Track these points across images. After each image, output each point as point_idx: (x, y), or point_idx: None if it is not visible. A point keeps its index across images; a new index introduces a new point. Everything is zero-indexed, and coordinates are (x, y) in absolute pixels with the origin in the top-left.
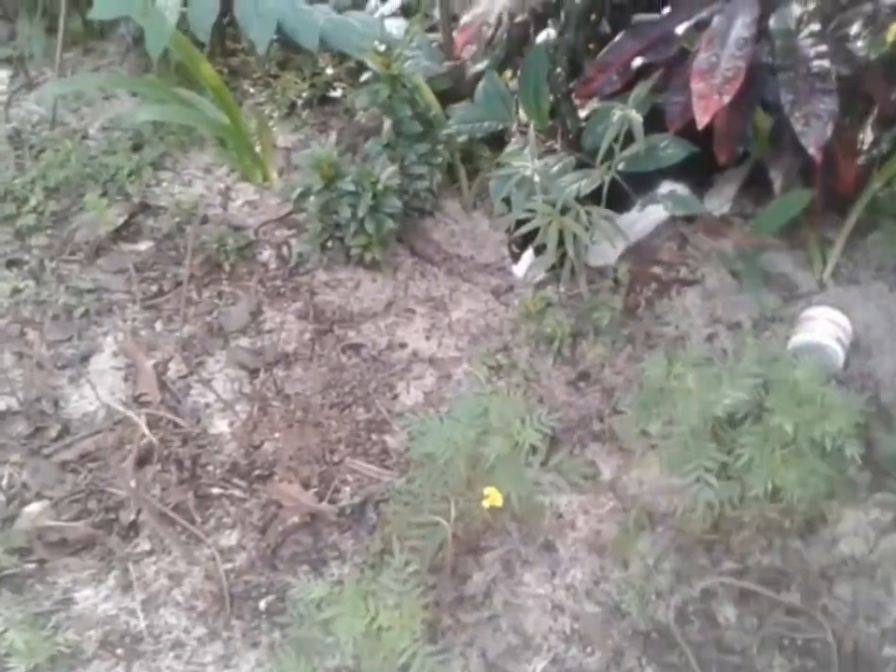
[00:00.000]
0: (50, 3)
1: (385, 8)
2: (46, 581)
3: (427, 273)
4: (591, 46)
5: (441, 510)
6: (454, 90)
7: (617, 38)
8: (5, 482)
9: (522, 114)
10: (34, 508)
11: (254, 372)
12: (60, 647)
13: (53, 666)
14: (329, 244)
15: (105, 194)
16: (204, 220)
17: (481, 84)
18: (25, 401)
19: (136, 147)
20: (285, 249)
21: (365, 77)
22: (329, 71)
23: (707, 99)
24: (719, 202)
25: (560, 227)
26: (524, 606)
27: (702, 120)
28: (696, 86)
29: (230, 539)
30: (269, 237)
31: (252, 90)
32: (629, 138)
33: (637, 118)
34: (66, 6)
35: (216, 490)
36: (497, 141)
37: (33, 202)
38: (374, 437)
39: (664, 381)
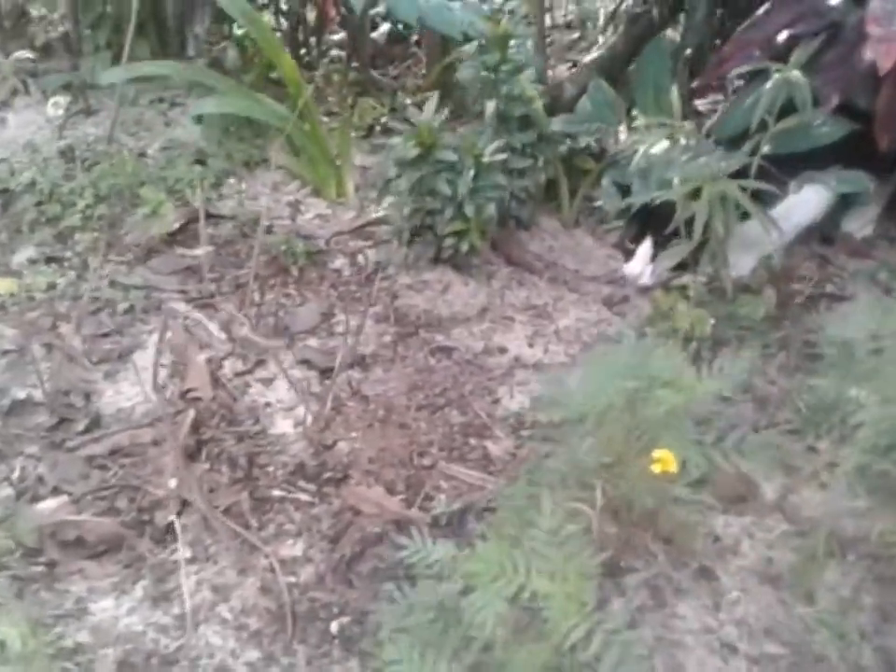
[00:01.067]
0: (115, 34)
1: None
2: (54, 587)
3: (525, 282)
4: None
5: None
6: (549, 106)
7: (761, 11)
8: (16, 474)
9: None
10: (49, 503)
11: (324, 373)
12: (62, 663)
13: None
14: (416, 238)
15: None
16: (270, 230)
17: (585, 95)
18: (51, 393)
19: (199, 162)
20: (360, 258)
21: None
22: (408, 101)
23: (888, 43)
24: (860, 223)
25: (709, 198)
26: (681, 643)
27: (884, 66)
28: (874, 30)
29: (293, 549)
30: (342, 247)
31: (326, 119)
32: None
33: (800, 79)
34: (133, 35)
35: (276, 493)
36: (601, 156)
37: (80, 205)
38: (473, 441)
39: (832, 394)
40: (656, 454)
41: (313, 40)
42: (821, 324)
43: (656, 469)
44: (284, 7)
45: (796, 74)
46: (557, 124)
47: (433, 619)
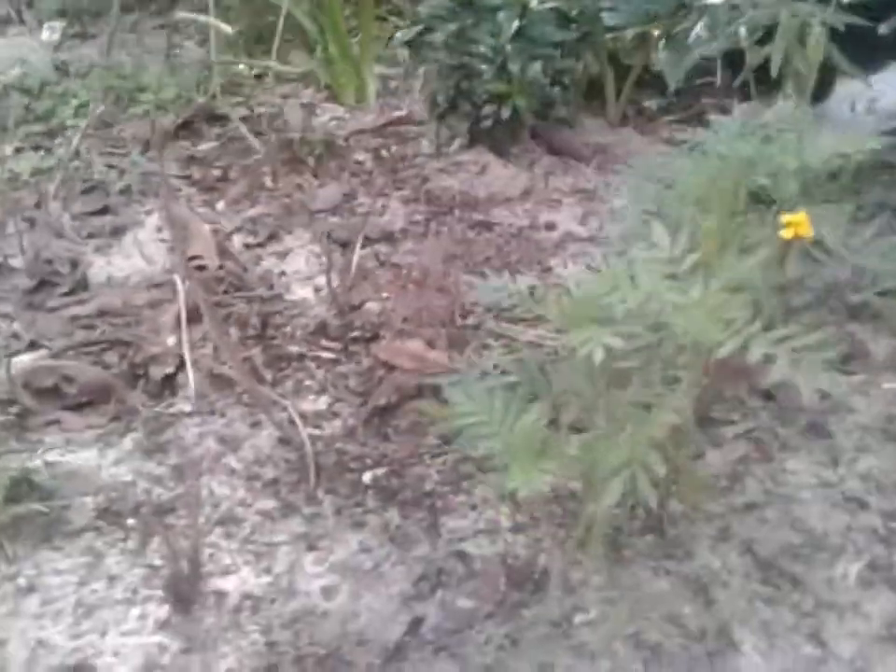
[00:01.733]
0: None
1: None
2: (26, 438)
3: (570, 169)
4: None
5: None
6: None
7: None
8: None
9: None
10: (24, 357)
11: (347, 246)
12: (31, 504)
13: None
14: (450, 112)
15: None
16: (282, 128)
17: None
18: (31, 259)
19: (206, 71)
20: (384, 152)
21: None
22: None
23: None
24: None
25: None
26: (796, 497)
27: None
28: None
29: (315, 404)
30: (363, 143)
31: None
32: None
33: None
34: None
35: (294, 349)
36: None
37: (73, 103)
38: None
39: None
40: (787, 217)
41: None
42: None
43: (786, 234)
44: None
45: None
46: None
47: None
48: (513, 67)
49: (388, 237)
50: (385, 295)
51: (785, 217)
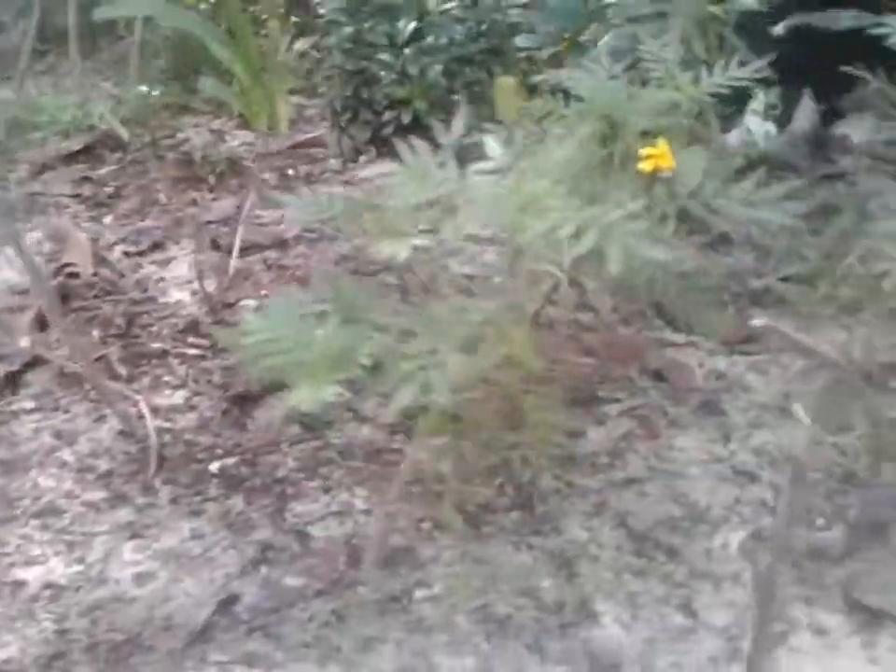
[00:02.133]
0: None
1: None
2: None
3: None
4: None
5: None
6: None
7: None
8: None
9: None
10: None
11: (249, 251)
12: None
13: None
14: (352, 122)
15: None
16: (186, 151)
17: None
18: None
19: (115, 100)
20: (290, 171)
21: None
22: None
23: None
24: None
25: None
26: (682, 472)
27: None
28: None
29: (171, 398)
30: (269, 164)
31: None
32: None
33: None
34: None
35: (157, 346)
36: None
37: None
38: None
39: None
40: (644, 150)
41: None
42: None
43: (645, 166)
44: None
45: None
46: (516, 17)
47: None
48: (412, 71)
49: (281, 244)
50: (263, 293)
51: (644, 150)
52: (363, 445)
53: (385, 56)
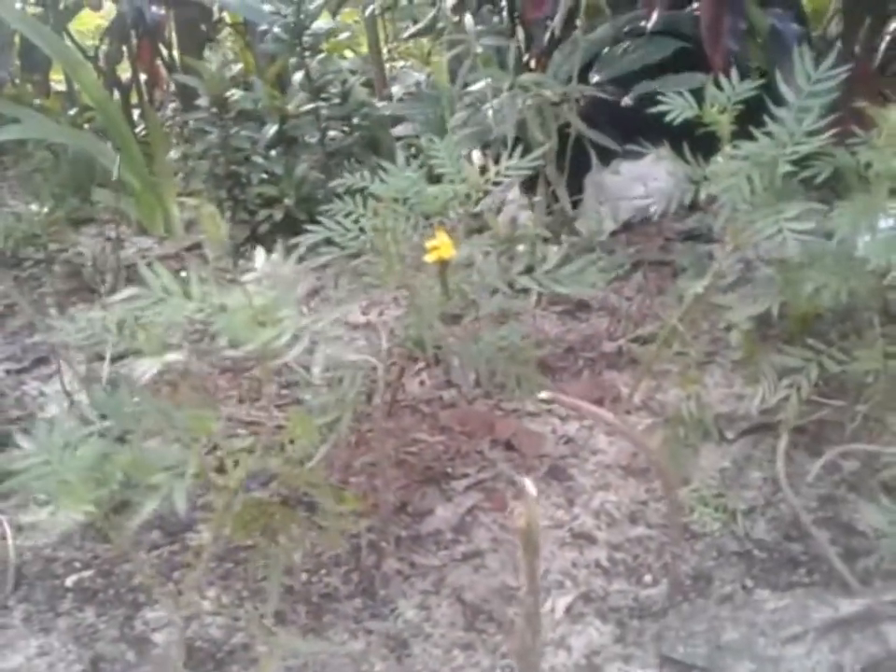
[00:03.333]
0: None
1: None
2: None
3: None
4: None
5: None
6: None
7: None
8: None
9: None
10: None
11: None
12: None
13: None
14: (229, 217)
15: None
16: (80, 266)
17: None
18: None
19: (13, 217)
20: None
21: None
22: None
23: None
24: None
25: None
26: None
27: None
28: None
29: (38, 514)
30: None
31: None
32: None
33: None
34: None
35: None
36: None
37: None
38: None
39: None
40: (431, 242)
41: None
42: None
43: (431, 257)
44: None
45: None
46: (387, 108)
47: None
48: (278, 170)
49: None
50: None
51: (429, 242)
52: (220, 545)
53: (253, 158)
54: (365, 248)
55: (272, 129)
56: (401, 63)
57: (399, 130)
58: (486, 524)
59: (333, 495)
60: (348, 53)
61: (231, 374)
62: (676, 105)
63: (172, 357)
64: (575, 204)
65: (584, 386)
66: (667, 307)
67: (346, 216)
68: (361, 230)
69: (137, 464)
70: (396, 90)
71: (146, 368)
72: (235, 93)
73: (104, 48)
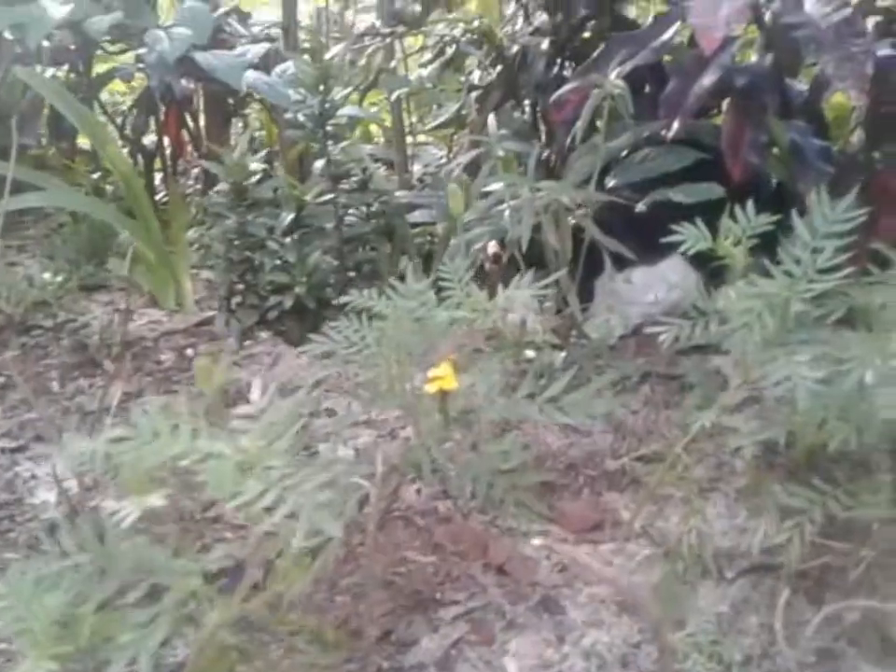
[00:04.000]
0: None
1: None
2: None
3: None
4: None
5: None
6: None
7: (595, 54)
8: None
9: None
10: None
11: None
12: None
13: None
14: (240, 305)
15: None
16: (88, 335)
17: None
18: None
19: (27, 282)
20: (189, 351)
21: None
22: None
23: (709, 30)
24: None
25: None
26: None
27: (707, 48)
28: (696, 21)
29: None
30: (171, 344)
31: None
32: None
33: (619, 87)
34: None
35: (9, 555)
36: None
37: None
38: None
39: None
40: (432, 371)
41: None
42: None
43: (431, 388)
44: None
45: (615, 82)
46: (405, 196)
47: None
48: (291, 258)
49: None
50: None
51: (430, 371)
52: None
53: (268, 245)
54: (368, 362)
55: (288, 217)
56: (423, 139)
57: (416, 216)
58: (471, 659)
59: (312, 635)
60: (374, 127)
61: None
62: (690, 236)
63: (155, 499)
64: (585, 305)
65: (584, 508)
66: (673, 424)
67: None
68: (366, 344)
69: (105, 620)
70: (417, 168)
71: (127, 511)
72: (256, 171)
73: (131, 116)
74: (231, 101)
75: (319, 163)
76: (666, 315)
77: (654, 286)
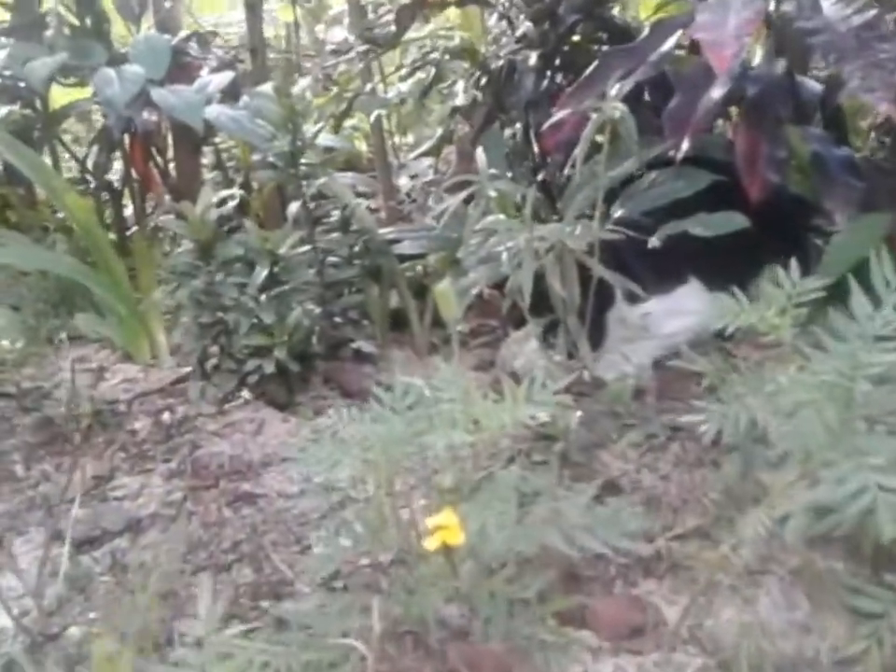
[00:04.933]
0: None
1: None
2: None
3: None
4: None
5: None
6: None
7: (589, 70)
8: None
9: None
10: None
11: (81, 546)
12: None
13: None
14: (216, 370)
15: None
16: (55, 401)
17: None
18: None
19: None
20: (166, 415)
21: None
22: None
23: (719, 47)
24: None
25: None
26: None
27: (719, 68)
28: (703, 37)
29: None
30: (146, 407)
31: None
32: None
33: (621, 110)
34: None
35: None
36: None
37: None
38: (265, 603)
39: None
40: (433, 520)
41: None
42: None
43: (431, 544)
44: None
45: (615, 105)
46: (391, 233)
47: None
48: (267, 317)
49: (133, 527)
50: (92, 616)
51: (430, 520)
52: None
53: (243, 304)
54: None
55: (262, 273)
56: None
57: (405, 246)
58: None
59: None
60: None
61: None
62: (726, 308)
63: None
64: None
65: (619, 606)
66: (710, 488)
67: None
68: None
69: None
70: (403, 182)
71: None
72: (225, 221)
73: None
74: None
75: (294, 206)
76: (688, 345)
77: (672, 315)
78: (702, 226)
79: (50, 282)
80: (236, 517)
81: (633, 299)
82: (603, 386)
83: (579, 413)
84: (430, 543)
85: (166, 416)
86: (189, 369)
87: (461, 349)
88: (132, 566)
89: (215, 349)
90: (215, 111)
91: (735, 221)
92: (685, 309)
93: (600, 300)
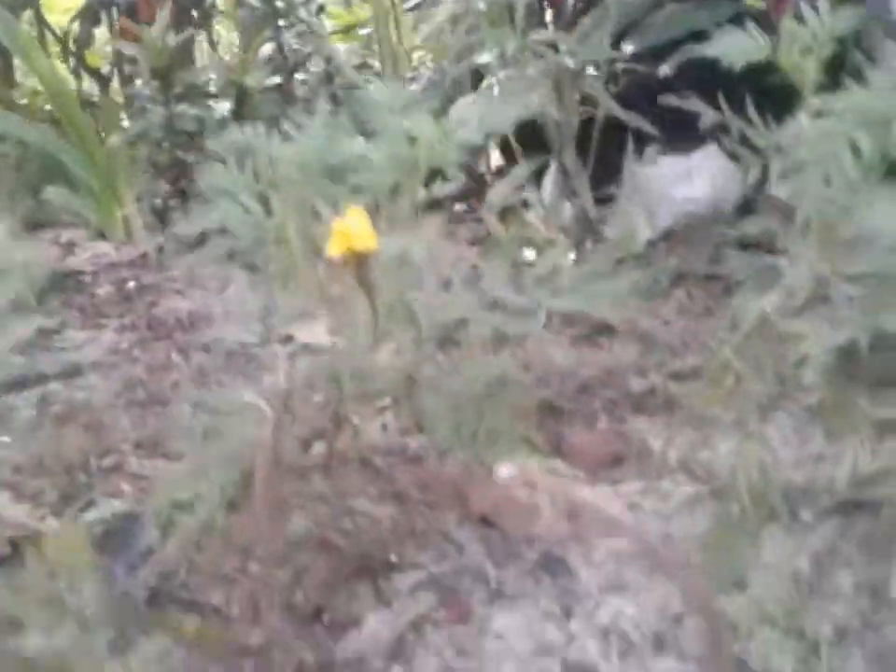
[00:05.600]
0: None
1: None
2: None
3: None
4: None
5: None
6: None
7: None
8: None
9: None
10: None
11: (12, 389)
12: None
13: None
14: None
15: None
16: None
17: None
18: None
19: None
20: (131, 284)
21: None
22: None
23: None
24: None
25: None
26: (503, 651)
27: None
28: None
29: None
30: (111, 277)
31: None
32: None
33: None
34: None
35: None
36: None
37: None
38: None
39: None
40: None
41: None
42: None
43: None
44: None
45: None
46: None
47: None
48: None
49: (71, 373)
50: (5, 439)
51: (335, 222)
52: None
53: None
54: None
55: (226, 107)
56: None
57: None
58: (437, 645)
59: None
60: None
61: None
62: (733, 47)
63: None
64: (603, 202)
65: (601, 438)
66: (717, 334)
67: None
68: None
69: None
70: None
71: None
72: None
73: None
74: (195, 13)
75: (267, 48)
76: (703, 213)
77: (686, 179)
78: (720, 49)
79: (32, 165)
80: (184, 363)
81: (645, 157)
82: (604, 242)
83: (572, 255)
84: (331, 250)
85: (131, 284)
86: (159, 242)
87: (455, 223)
88: (60, 402)
89: (175, 196)
90: None
91: (762, 48)
92: (702, 173)
93: (604, 152)
